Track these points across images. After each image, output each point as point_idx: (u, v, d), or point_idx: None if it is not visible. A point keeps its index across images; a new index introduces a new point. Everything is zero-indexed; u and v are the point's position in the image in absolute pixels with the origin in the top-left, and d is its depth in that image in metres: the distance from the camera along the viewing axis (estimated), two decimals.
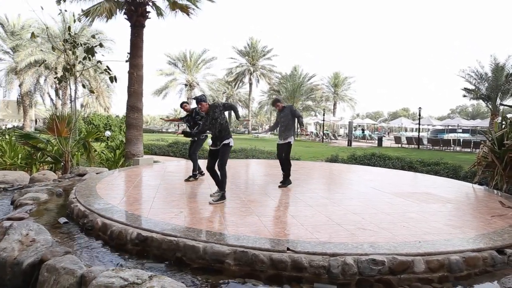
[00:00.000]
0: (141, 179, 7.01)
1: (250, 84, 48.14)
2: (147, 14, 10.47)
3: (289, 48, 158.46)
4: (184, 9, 11.20)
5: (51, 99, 32.36)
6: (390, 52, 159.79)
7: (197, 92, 42.64)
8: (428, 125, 38.60)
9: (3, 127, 21.55)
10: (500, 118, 7.51)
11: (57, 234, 4.09)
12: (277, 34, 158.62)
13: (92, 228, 4.12)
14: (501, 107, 23.50)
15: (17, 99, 31.59)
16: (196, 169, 7.05)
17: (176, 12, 11.66)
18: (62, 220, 4.48)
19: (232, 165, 9.18)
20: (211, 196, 5.17)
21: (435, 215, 4.69)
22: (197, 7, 11.26)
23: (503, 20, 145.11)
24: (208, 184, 6.54)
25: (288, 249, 3.25)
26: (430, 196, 5.95)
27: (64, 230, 4.25)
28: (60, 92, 29.96)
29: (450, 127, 37.39)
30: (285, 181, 6.48)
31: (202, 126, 5.44)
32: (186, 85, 41.57)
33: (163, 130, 62.21)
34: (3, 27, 28.95)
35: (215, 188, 5.26)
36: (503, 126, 7.24)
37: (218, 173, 5.14)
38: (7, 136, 11.42)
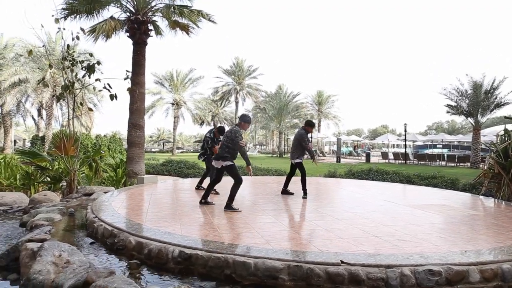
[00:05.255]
0: (154, 197, 6.80)
1: (236, 103, 48.41)
2: (149, 32, 10.47)
3: (274, 67, 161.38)
4: (185, 28, 11.26)
5: (34, 119, 31.38)
6: (369, 70, 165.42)
7: (184, 111, 42.50)
8: (411, 141, 39.69)
9: None
10: (502, 131, 7.81)
11: (86, 254, 3.88)
12: (262, 53, 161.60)
13: (124, 247, 3.94)
14: (481, 120, 24.56)
15: None
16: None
17: (175, 31, 11.73)
18: (89, 240, 4.27)
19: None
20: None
21: (463, 225, 4.75)
22: (198, 27, 11.35)
23: (476, 40, 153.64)
24: (220, 201, 6.43)
25: (342, 261, 3.20)
26: (447, 208, 6.04)
27: (92, 251, 4.05)
28: (45, 112, 29.09)
29: (433, 143, 38.63)
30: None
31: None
32: (173, 104, 41.34)
33: (147, 149, 61.28)
34: None
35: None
36: (506, 138, 7.53)
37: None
38: None
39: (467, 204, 6.64)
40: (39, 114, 30.90)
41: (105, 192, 7.17)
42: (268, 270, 3.14)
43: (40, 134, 29.07)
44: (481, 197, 7.58)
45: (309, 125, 7.21)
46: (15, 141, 41.36)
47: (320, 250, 3.53)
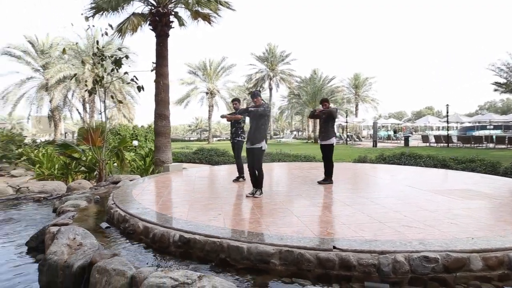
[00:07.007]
0: (174, 184, 7.09)
1: (270, 89, 48.12)
2: (170, 24, 10.71)
3: (308, 52, 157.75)
4: (206, 18, 11.36)
5: (79, 113, 33.57)
6: (411, 51, 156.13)
7: (218, 100, 43.14)
8: (456, 122, 37.24)
9: (38, 141, 22.51)
10: None
11: (101, 238, 4.18)
12: (295, 38, 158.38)
13: (133, 232, 4.18)
14: None
15: (48, 114, 32.98)
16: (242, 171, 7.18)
17: (198, 21, 11.85)
18: (104, 225, 4.59)
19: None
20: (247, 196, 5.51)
21: (483, 211, 4.46)
22: (218, 15, 11.39)
23: None
24: (242, 188, 6.54)
25: (334, 247, 3.17)
26: (473, 193, 5.69)
27: (106, 234, 4.35)
28: (88, 105, 30.99)
29: (481, 124, 35.96)
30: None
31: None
32: (207, 93, 42.08)
33: (186, 139, 63.27)
34: (34, 47, 30.37)
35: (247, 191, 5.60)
36: None
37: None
38: (42, 149, 11.89)
39: (498, 188, 6.18)
40: (84, 107, 32.99)
41: (130, 180, 7.58)
42: (260, 254, 3.20)
43: (86, 127, 31.09)
44: None
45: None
46: (65, 134, 44.59)
47: (316, 236, 3.52)
